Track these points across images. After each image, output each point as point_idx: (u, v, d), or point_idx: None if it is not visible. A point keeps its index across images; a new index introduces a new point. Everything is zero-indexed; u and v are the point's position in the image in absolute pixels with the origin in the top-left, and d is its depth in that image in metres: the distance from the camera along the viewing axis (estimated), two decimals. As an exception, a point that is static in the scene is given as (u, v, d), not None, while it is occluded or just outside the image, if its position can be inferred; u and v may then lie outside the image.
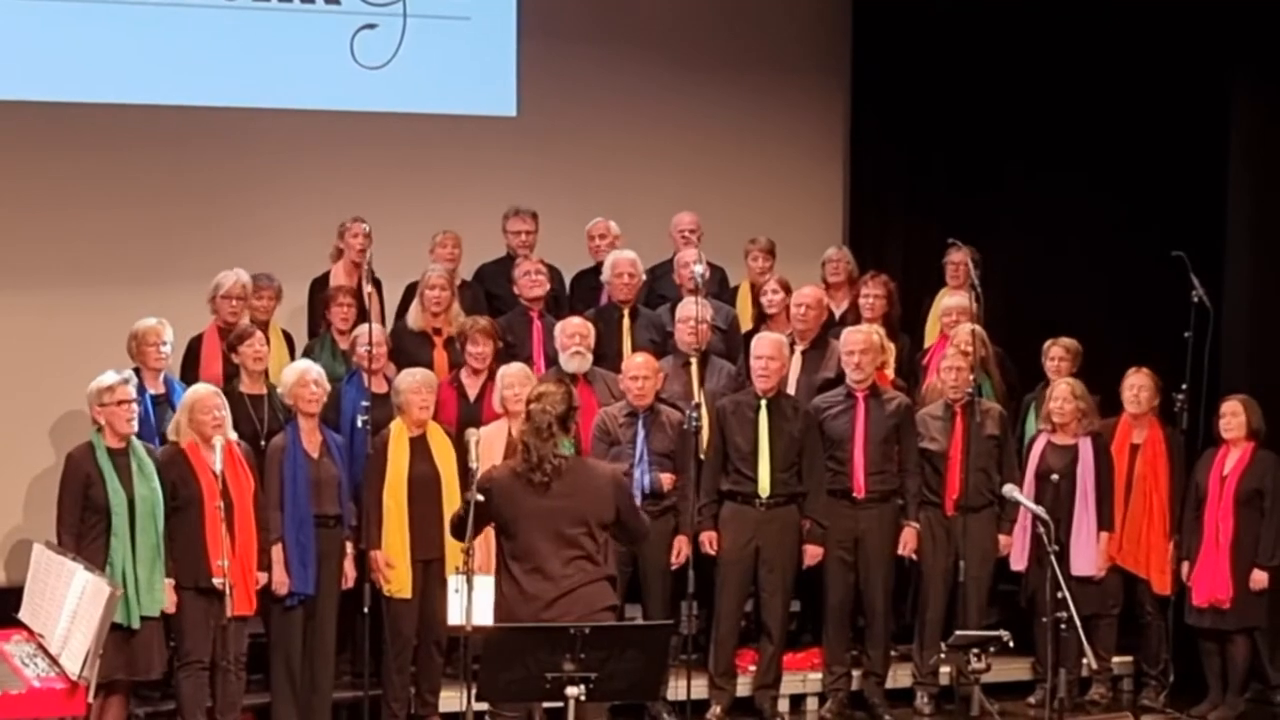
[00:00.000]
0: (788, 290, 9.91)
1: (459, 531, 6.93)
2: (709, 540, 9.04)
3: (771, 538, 9.11)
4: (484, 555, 7.51)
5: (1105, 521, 9.45)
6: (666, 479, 9.00)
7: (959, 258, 10.31)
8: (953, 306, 9.92)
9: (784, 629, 9.34)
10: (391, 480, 8.64)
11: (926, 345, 10.33)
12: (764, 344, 9.19)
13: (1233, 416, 9.27)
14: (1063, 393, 9.46)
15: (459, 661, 8.70)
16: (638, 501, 8.82)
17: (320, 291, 10.02)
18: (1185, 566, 9.36)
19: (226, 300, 9.46)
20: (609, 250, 10.18)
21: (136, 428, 8.21)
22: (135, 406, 8.18)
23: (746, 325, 10.17)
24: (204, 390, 8.41)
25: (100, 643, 6.59)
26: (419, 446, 8.69)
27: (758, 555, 9.11)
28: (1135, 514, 9.51)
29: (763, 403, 9.09)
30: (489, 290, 10.31)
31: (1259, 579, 9.21)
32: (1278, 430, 9.61)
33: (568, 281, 10.54)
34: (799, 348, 9.62)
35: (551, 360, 9.55)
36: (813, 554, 9.17)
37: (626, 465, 8.89)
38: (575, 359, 9.25)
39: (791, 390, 9.44)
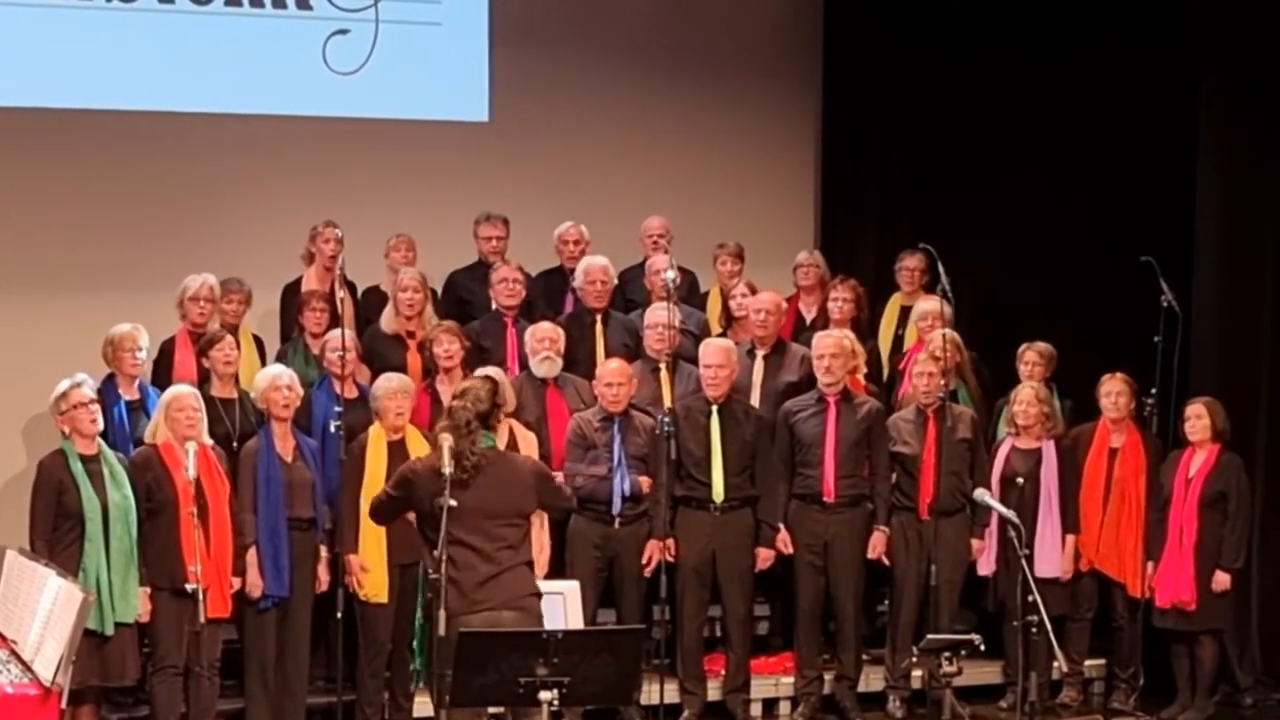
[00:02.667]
0: (755, 293, 9.93)
1: (378, 515, 7.35)
2: (667, 546, 9.06)
3: (727, 542, 9.15)
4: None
5: (1070, 524, 9.49)
6: (645, 482, 9.03)
7: (912, 263, 10.38)
8: (927, 311, 9.95)
9: (747, 632, 9.39)
10: (369, 484, 8.61)
11: (882, 350, 10.37)
12: (711, 352, 9.21)
13: (1198, 419, 9.33)
14: (1027, 396, 9.50)
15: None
16: (617, 506, 8.92)
17: (293, 296, 10.02)
18: (1150, 567, 9.41)
19: (194, 303, 9.46)
20: (580, 256, 10.18)
21: (101, 426, 8.22)
22: (95, 406, 8.17)
23: (716, 330, 10.18)
24: (182, 390, 8.41)
25: (74, 649, 6.60)
26: (397, 451, 8.68)
27: (715, 560, 9.15)
28: (1113, 517, 9.54)
29: (713, 408, 9.13)
30: (460, 296, 10.30)
31: (1221, 581, 9.26)
32: (1246, 433, 9.69)
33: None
34: (760, 353, 9.63)
35: (526, 365, 9.56)
36: (764, 557, 9.22)
37: (605, 468, 8.95)
38: (545, 364, 9.28)
39: (755, 395, 9.48)
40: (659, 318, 9.33)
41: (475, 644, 6.36)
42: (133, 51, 10.56)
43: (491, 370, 8.33)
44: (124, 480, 8.15)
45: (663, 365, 9.38)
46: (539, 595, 7.11)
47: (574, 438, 9.06)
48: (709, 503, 9.12)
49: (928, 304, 10.01)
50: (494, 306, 9.88)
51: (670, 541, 9.06)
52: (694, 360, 9.64)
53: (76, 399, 8.11)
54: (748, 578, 9.26)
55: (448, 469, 6.81)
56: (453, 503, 6.79)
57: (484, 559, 6.91)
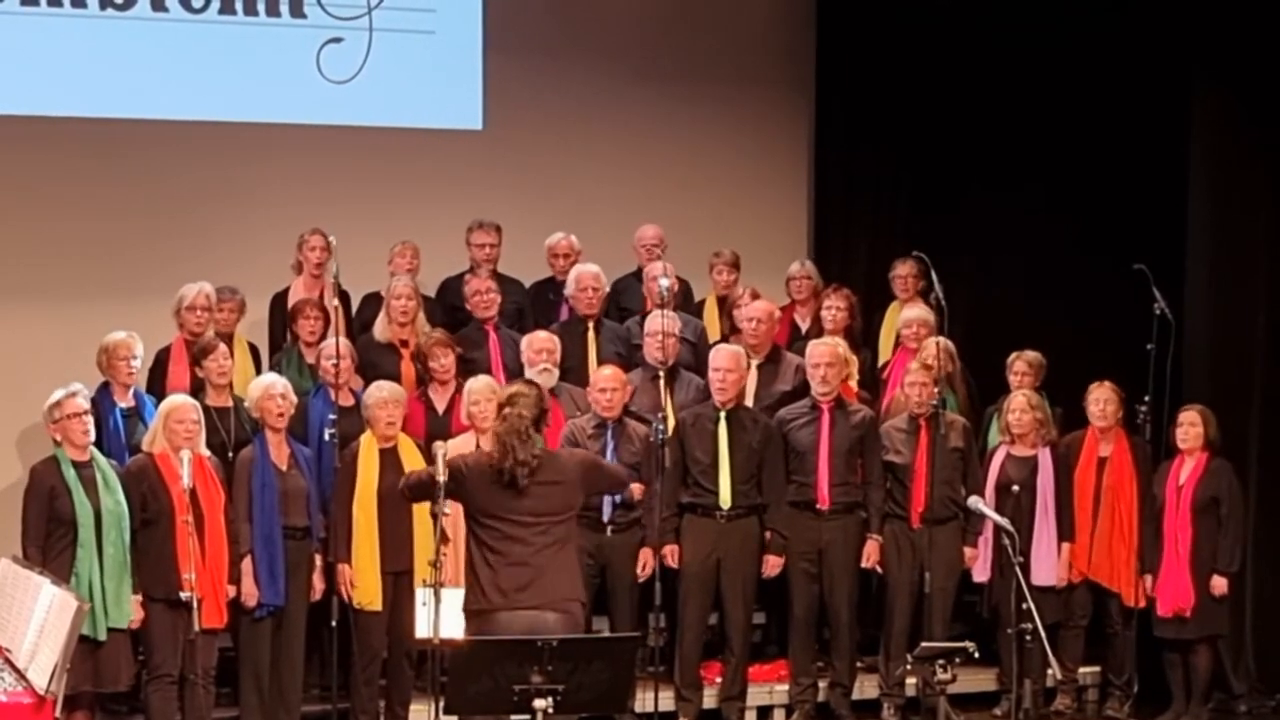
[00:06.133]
0: (758, 299, 9.92)
1: (418, 494, 7.36)
2: (670, 553, 9.07)
3: (732, 549, 9.15)
4: (452, 568, 7.56)
5: (1066, 532, 9.48)
6: (637, 489, 9.01)
7: (905, 271, 10.39)
8: (913, 319, 9.96)
9: (747, 640, 9.38)
10: (361, 492, 8.64)
11: (881, 359, 10.37)
12: (722, 356, 9.22)
13: (1190, 426, 9.33)
14: (1020, 404, 9.50)
15: (428, 674, 8.71)
16: (608, 514, 8.92)
17: (281, 305, 10.01)
18: (1149, 578, 9.40)
19: (191, 312, 9.46)
20: (571, 267, 10.17)
21: (93, 437, 8.23)
22: (88, 417, 8.18)
23: (714, 339, 10.17)
24: (182, 402, 8.42)
25: (68, 657, 6.62)
26: (389, 459, 8.70)
27: (719, 567, 9.15)
28: (1104, 526, 9.53)
29: (722, 415, 9.13)
30: (453, 304, 10.29)
31: (1219, 585, 9.26)
32: (1239, 440, 9.70)
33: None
34: (754, 361, 9.64)
35: (511, 372, 9.56)
36: (773, 564, 9.20)
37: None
38: (543, 375, 9.27)
39: (749, 404, 9.46)
40: (657, 326, 9.33)
41: (470, 652, 6.38)
42: (126, 60, 10.57)
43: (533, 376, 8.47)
44: (117, 486, 8.16)
45: (661, 373, 9.38)
46: (583, 601, 7.32)
47: (567, 444, 9.03)
48: (715, 509, 9.11)
49: (912, 312, 10.02)
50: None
51: (669, 549, 9.06)
52: (693, 369, 9.66)
53: (70, 409, 8.12)
54: (751, 586, 9.25)
55: (441, 476, 6.86)
56: (447, 510, 6.89)
57: (530, 558, 7.07)
